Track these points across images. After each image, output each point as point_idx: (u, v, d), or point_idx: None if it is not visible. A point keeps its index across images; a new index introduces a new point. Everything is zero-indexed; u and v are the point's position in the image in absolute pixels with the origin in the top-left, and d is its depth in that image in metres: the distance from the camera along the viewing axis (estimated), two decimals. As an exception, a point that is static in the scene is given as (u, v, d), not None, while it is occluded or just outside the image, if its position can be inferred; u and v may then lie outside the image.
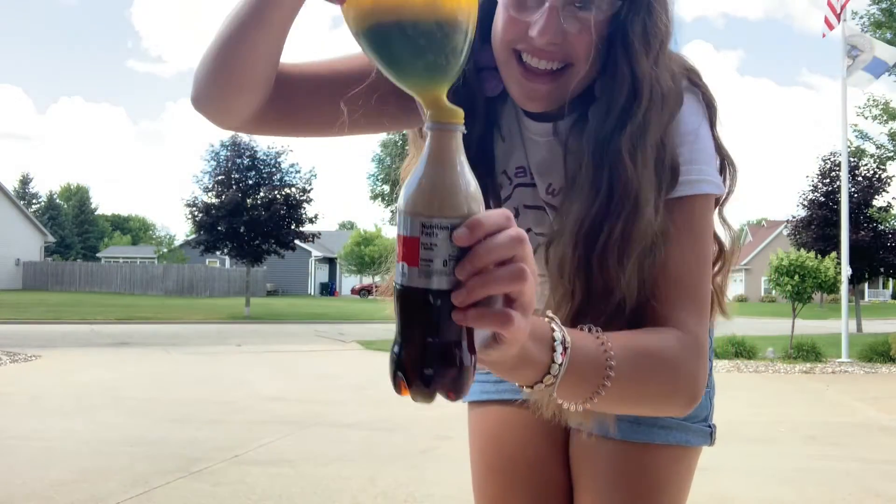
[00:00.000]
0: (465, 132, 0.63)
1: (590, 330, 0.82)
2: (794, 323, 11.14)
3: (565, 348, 0.75)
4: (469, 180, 0.61)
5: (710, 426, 1.17)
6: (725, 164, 0.99)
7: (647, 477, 1.11)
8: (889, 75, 14.36)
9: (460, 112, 0.62)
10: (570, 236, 0.89)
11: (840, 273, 11.05)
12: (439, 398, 0.63)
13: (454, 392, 0.62)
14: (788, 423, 6.04)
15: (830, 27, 10.89)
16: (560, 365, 0.74)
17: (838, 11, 10.69)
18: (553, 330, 0.75)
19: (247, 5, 0.83)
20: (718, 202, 0.99)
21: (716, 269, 1.02)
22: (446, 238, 0.59)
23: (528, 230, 1.06)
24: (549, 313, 0.77)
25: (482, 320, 0.60)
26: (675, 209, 0.91)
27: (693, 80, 0.98)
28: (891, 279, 28.34)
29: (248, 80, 0.90)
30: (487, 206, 0.95)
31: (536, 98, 0.91)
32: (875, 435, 5.85)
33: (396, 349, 0.62)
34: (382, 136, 27.40)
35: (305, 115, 1.02)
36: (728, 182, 0.99)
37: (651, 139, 0.88)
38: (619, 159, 0.87)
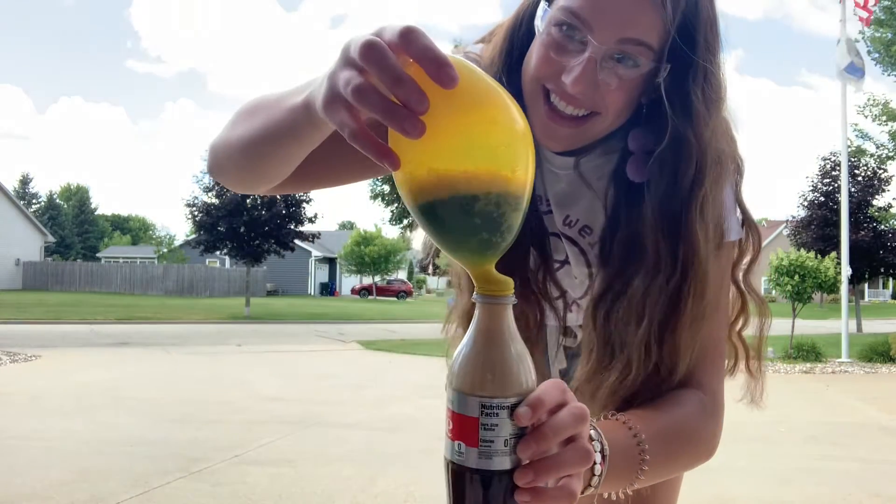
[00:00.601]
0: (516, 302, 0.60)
1: (617, 419, 0.81)
2: (794, 323, 11.14)
3: (604, 457, 0.73)
4: (523, 352, 0.59)
5: None
6: (748, 224, 0.96)
7: (637, 494, 1.12)
8: (889, 75, 14.37)
9: (510, 283, 0.59)
10: (637, 312, 0.86)
11: (840, 273, 11.06)
12: None
13: None
14: (788, 423, 6.04)
15: (867, 23, 11.07)
16: (600, 476, 0.73)
17: (864, 4, 10.85)
18: (592, 440, 0.72)
19: (283, 121, 0.76)
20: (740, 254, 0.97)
21: (739, 325, 0.99)
22: (507, 417, 0.57)
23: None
24: (592, 422, 0.75)
25: (547, 501, 0.58)
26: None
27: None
28: (891, 279, 28.34)
29: (275, 178, 0.89)
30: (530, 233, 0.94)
31: (556, 139, 0.89)
32: (875, 435, 5.85)
33: None
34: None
35: (322, 178, 1.02)
36: (751, 244, 0.96)
37: (714, 208, 0.87)
38: (692, 233, 0.85)
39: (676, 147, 0.85)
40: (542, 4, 0.87)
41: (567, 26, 0.83)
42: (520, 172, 0.57)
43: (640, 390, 0.87)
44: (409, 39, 0.54)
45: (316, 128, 0.72)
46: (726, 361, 0.99)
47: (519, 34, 0.93)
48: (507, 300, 0.59)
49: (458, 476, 0.59)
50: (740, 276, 0.96)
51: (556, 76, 0.84)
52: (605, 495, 0.83)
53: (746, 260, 0.96)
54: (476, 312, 0.60)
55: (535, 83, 0.87)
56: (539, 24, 0.87)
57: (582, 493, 0.73)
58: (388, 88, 0.54)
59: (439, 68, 0.53)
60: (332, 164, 0.98)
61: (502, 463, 0.57)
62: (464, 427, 0.58)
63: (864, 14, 11.01)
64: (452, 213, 0.57)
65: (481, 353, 0.58)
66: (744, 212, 0.95)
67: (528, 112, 0.88)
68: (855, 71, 10.87)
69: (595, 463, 0.71)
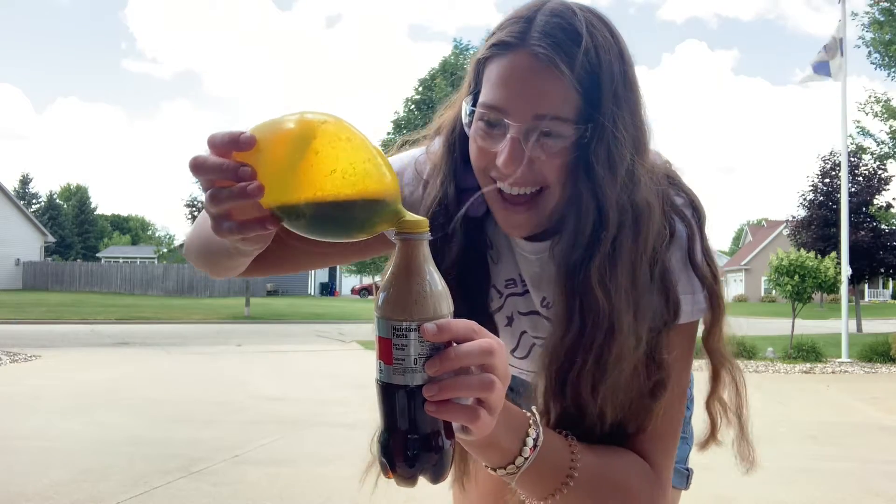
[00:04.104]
0: (431, 238, 0.69)
1: (566, 436, 0.86)
2: (794, 323, 11.14)
3: (535, 446, 0.80)
4: (436, 284, 0.67)
5: (687, 469, 1.19)
6: (714, 287, 0.96)
7: None
8: (887, 74, 14.35)
9: (424, 221, 0.67)
10: (546, 363, 0.90)
11: (840, 273, 11.05)
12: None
13: (434, 476, 0.69)
14: (788, 423, 6.04)
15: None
16: (526, 459, 0.80)
17: None
18: (530, 425, 0.81)
19: (217, 247, 0.90)
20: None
21: (715, 393, 1.00)
22: (416, 338, 0.65)
23: (524, 332, 1.08)
24: (534, 409, 0.82)
25: (452, 414, 0.66)
26: (669, 342, 0.91)
27: (676, 186, 0.97)
28: (891, 279, 28.31)
29: (232, 272, 1.01)
30: (479, 319, 0.96)
31: (517, 226, 0.92)
32: (875, 435, 5.85)
33: (381, 438, 0.68)
34: (382, 135, 27.42)
35: (289, 265, 1.11)
36: (715, 308, 0.96)
37: (624, 266, 0.87)
38: (588, 289, 0.86)
39: (576, 207, 0.87)
40: (465, 107, 0.93)
41: (488, 118, 0.88)
42: (357, 178, 0.66)
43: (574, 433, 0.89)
44: (210, 142, 0.67)
45: (245, 253, 0.84)
46: (713, 431, 1.01)
47: (458, 138, 0.98)
48: (418, 237, 0.67)
49: (380, 391, 0.67)
50: (712, 347, 0.97)
51: (492, 164, 0.89)
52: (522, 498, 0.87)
53: (714, 334, 0.96)
54: (395, 250, 0.68)
55: (482, 176, 0.92)
56: (465, 122, 0.93)
57: (504, 468, 0.80)
58: (218, 183, 0.67)
59: (232, 142, 0.65)
60: (288, 255, 1.05)
61: (413, 379, 0.65)
62: (382, 348, 0.66)
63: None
64: (333, 217, 0.66)
65: (394, 282, 0.66)
66: (702, 277, 0.94)
67: (489, 204, 0.93)
68: (822, 69, 11.07)
69: (525, 446, 0.79)
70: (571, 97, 0.84)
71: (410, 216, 0.68)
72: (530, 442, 0.79)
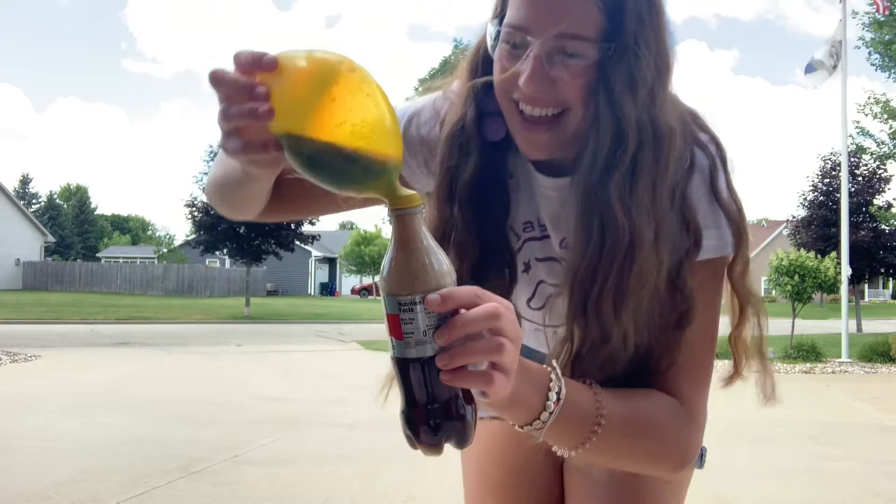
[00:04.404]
0: (424, 210, 0.70)
1: (590, 385, 0.86)
2: (794, 323, 11.14)
3: (559, 399, 0.81)
4: (436, 256, 0.68)
5: (701, 448, 1.18)
6: (739, 222, 0.95)
7: (642, 496, 1.12)
8: (888, 75, 14.36)
9: (416, 196, 0.68)
10: (567, 284, 0.90)
11: (840, 273, 11.05)
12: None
13: (459, 442, 0.70)
14: (788, 423, 6.04)
15: (884, 11, 11.21)
16: (551, 413, 0.80)
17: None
18: (551, 380, 0.81)
19: (232, 177, 0.93)
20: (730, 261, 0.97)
21: (740, 331, 1.00)
22: (422, 311, 0.66)
23: (541, 282, 1.07)
24: (554, 363, 0.82)
25: (466, 381, 0.67)
26: (693, 273, 0.91)
27: (700, 125, 0.97)
28: (891, 279, 28.34)
29: (246, 209, 1.04)
30: (502, 259, 0.98)
31: (538, 146, 0.92)
32: (875, 435, 5.85)
33: (403, 411, 0.70)
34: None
35: (305, 207, 1.12)
36: (741, 252, 0.95)
37: (645, 184, 0.87)
38: (608, 206, 0.86)
39: (595, 124, 0.87)
40: (490, 29, 0.93)
41: (511, 38, 0.89)
42: (366, 128, 0.67)
43: (597, 366, 0.89)
44: (235, 58, 0.67)
45: (256, 179, 0.86)
46: (737, 366, 1.01)
47: (480, 62, 0.98)
48: (412, 211, 0.68)
49: (396, 367, 0.69)
50: (737, 282, 0.96)
51: (515, 84, 0.89)
52: (554, 450, 0.88)
53: (739, 268, 0.96)
54: (392, 227, 0.68)
55: (504, 98, 0.92)
56: (491, 45, 0.93)
57: (530, 425, 0.80)
58: (233, 98, 0.68)
59: (255, 62, 0.66)
60: (308, 197, 1.06)
61: (424, 350, 0.66)
62: (392, 324, 0.67)
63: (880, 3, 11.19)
64: (331, 163, 0.68)
65: (394, 258, 0.67)
66: (727, 211, 0.93)
67: (510, 128, 0.94)
68: (811, 69, 11.15)
69: (549, 400, 0.80)
70: (595, 17, 0.85)
71: (404, 191, 0.68)
72: (553, 396, 0.80)
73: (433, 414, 0.68)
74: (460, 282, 0.69)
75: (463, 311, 0.67)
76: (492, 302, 0.68)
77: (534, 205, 1.03)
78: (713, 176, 0.93)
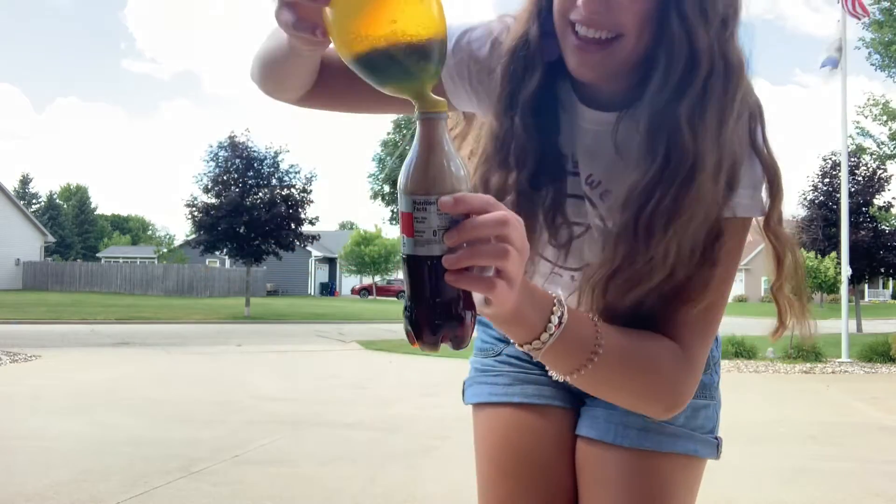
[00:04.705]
0: (448, 117, 0.73)
1: (592, 317, 0.90)
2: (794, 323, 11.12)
3: (560, 323, 0.83)
4: (455, 162, 0.70)
5: (716, 439, 1.18)
6: (775, 175, 0.97)
7: (655, 484, 1.11)
8: (887, 76, 14.35)
9: (443, 102, 0.71)
10: (623, 200, 0.92)
11: (840, 273, 11.06)
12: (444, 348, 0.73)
13: (455, 343, 0.72)
14: (788, 423, 6.04)
15: (857, 17, 11.17)
16: (551, 335, 0.83)
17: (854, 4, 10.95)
18: (555, 304, 0.83)
19: (278, 51, 0.96)
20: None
21: (780, 280, 1.01)
22: (435, 211, 0.69)
23: (564, 221, 1.07)
24: (559, 291, 0.87)
25: (469, 284, 0.69)
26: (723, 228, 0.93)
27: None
28: (891, 279, 28.30)
29: (290, 86, 1.05)
30: (557, 172, 1.01)
31: (587, 66, 0.92)
32: (875, 435, 5.85)
33: (407, 308, 0.72)
34: (382, 134, 27.37)
35: (348, 98, 1.11)
36: (776, 195, 0.97)
37: (714, 110, 0.88)
38: (677, 126, 0.88)
39: (668, 47, 0.88)
40: None
41: None
42: (420, 27, 0.69)
43: (627, 287, 0.91)
44: None
45: (291, 44, 0.87)
46: (782, 318, 1.02)
47: None
48: (438, 116, 0.70)
49: (405, 264, 0.71)
50: (773, 234, 0.98)
51: (573, 4, 0.90)
52: (550, 373, 0.89)
53: (775, 220, 0.97)
54: (417, 128, 0.71)
55: (561, 20, 0.93)
56: None
57: (530, 344, 0.83)
58: None
59: None
60: (347, 92, 1.07)
61: (432, 250, 0.69)
62: (404, 222, 0.70)
63: (861, 13, 11.07)
64: (381, 61, 0.70)
65: (415, 159, 0.70)
66: (763, 158, 0.95)
67: (563, 50, 0.95)
68: (830, 62, 11.07)
69: (550, 323, 0.82)
70: None
71: (434, 97, 0.71)
72: (555, 319, 0.82)
73: (435, 312, 0.70)
74: (519, 192, 0.75)
75: (474, 216, 0.69)
76: (502, 211, 0.70)
77: (571, 138, 1.04)
78: (752, 127, 0.95)
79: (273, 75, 1.04)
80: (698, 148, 0.87)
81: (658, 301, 0.92)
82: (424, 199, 0.69)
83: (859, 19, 11.14)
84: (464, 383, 1.32)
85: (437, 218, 0.69)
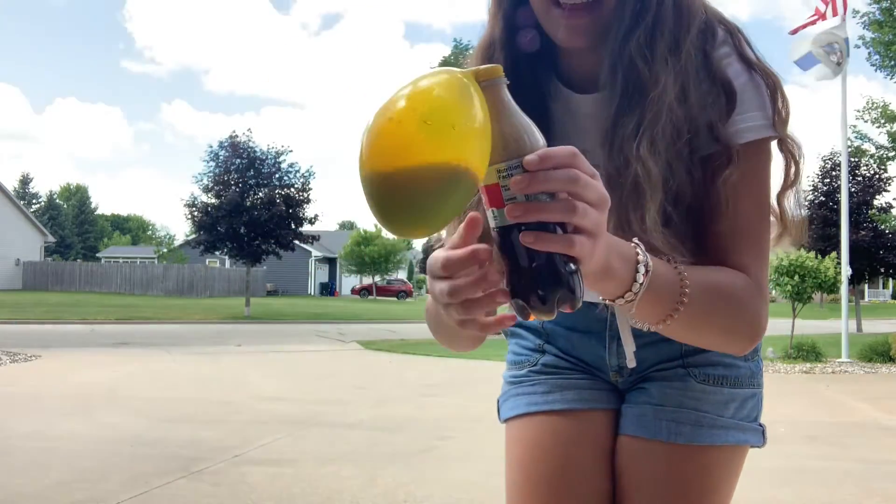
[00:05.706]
0: (508, 83, 0.70)
1: (670, 261, 0.89)
2: (794, 323, 11.14)
3: (647, 270, 0.82)
4: (525, 120, 0.69)
5: (761, 426, 1.18)
6: (776, 81, 0.99)
7: (706, 478, 1.11)
8: (885, 74, 14.34)
9: (498, 66, 0.69)
10: (601, 138, 0.96)
11: (840, 273, 11.05)
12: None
13: (571, 303, 0.69)
14: (788, 423, 6.03)
15: (823, 17, 11.05)
16: (641, 284, 0.82)
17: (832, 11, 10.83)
18: (638, 254, 0.83)
19: (446, 328, 0.94)
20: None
21: (784, 187, 1.03)
22: (521, 175, 0.66)
23: None
24: (635, 239, 0.85)
25: (547, 243, 0.67)
26: (739, 156, 0.95)
27: (715, 13, 1.02)
28: (891, 279, 28.34)
29: (467, 341, 1.04)
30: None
31: (578, 32, 0.95)
32: (875, 435, 5.85)
33: (511, 283, 0.70)
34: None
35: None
36: (782, 109, 0.99)
37: (665, 38, 0.93)
38: (630, 58, 0.92)
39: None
40: None
41: None
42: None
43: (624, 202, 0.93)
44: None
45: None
46: (785, 220, 1.03)
47: None
48: (498, 81, 0.69)
49: (499, 238, 0.69)
50: (781, 131, 0.99)
51: None
52: (640, 325, 0.91)
53: (779, 116, 0.98)
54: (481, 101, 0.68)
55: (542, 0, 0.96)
56: None
57: (622, 297, 0.83)
58: (468, 289, 0.71)
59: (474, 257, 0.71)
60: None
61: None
62: (491, 195, 0.68)
63: (832, 13, 11.00)
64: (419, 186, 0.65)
65: (491, 129, 0.67)
66: (759, 69, 0.98)
67: (548, 30, 0.97)
68: (808, 62, 10.89)
69: (638, 273, 0.81)
70: None
71: (484, 67, 0.69)
72: (641, 268, 0.82)
73: (539, 278, 0.68)
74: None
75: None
76: (586, 167, 0.69)
77: (564, 127, 1.06)
78: (736, 42, 0.99)
79: (453, 345, 1.07)
80: (652, 73, 0.91)
81: (690, 228, 0.95)
82: (507, 164, 0.67)
83: (833, 17, 11.04)
84: (497, 401, 1.26)
85: None
